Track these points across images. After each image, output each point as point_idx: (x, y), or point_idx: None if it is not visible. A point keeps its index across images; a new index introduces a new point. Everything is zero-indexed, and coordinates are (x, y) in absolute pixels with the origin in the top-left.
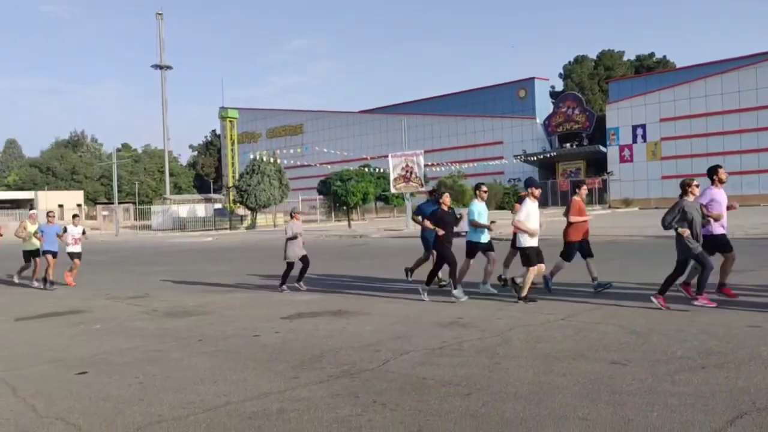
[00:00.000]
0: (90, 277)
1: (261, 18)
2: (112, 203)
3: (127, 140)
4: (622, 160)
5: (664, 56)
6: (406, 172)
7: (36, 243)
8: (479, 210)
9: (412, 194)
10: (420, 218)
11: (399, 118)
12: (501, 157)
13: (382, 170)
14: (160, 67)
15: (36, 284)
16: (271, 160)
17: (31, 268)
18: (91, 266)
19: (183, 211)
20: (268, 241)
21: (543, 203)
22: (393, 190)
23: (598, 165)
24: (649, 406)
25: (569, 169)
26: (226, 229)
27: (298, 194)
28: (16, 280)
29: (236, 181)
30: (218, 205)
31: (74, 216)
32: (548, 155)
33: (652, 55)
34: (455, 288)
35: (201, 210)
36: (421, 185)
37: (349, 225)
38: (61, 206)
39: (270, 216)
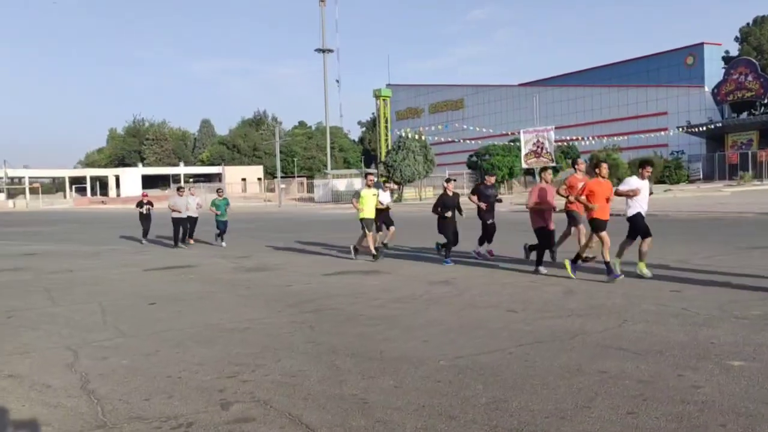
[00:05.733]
0: (230, 240)
1: None
2: (290, 177)
3: (304, 118)
4: None
5: None
6: (537, 147)
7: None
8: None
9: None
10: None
11: (556, 90)
12: (665, 129)
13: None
14: (323, 51)
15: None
16: (416, 136)
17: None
18: (238, 232)
19: (341, 184)
20: (401, 213)
21: (710, 177)
22: (524, 165)
23: None
24: (475, 336)
25: (740, 141)
26: None
27: (446, 169)
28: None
29: (385, 157)
30: None
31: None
32: (715, 126)
33: None
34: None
35: (358, 184)
36: (552, 160)
37: None
38: (243, 180)
39: (417, 190)
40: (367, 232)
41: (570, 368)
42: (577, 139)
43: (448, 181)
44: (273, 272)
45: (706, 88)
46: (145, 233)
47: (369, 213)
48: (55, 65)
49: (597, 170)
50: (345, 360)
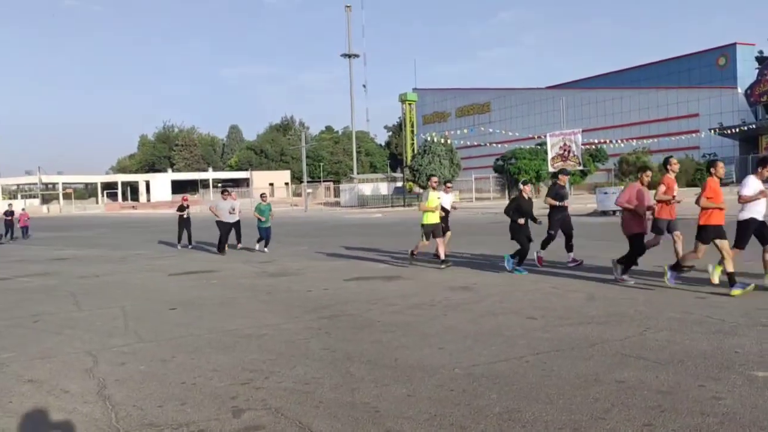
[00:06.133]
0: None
1: None
2: (316, 181)
3: (331, 123)
4: None
5: None
6: (564, 150)
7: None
8: None
9: (572, 172)
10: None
11: (583, 93)
12: (696, 131)
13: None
14: (348, 56)
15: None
16: (442, 140)
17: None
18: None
19: (367, 189)
20: None
21: (741, 178)
22: (550, 169)
23: None
24: (492, 344)
25: None
26: (400, 206)
27: (472, 173)
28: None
29: (410, 161)
30: (399, 184)
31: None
32: (748, 127)
33: None
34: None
35: (384, 188)
36: (579, 163)
37: None
38: (271, 185)
39: None
40: (423, 240)
41: (587, 378)
42: (605, 142)
43: (525, 183)
44: (294, 277)
45: (739, 89)
46: (183, 238)
47: (433, 218)
48: (89, 73)
49: (713, 169)
50: (359, 367)
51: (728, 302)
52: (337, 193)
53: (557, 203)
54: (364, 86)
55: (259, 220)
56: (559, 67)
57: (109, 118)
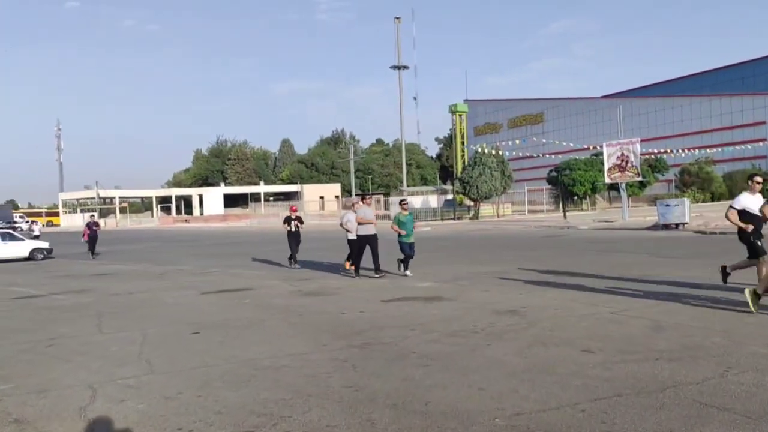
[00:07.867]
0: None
1: (514, 6)
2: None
3: (382, 135)
4: None
5: None
6: (622, 161)
7: None
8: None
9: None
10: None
11: (641, 102)
12: (763, 139)
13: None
14: (398, 68)
15: None
16: (493, 152)
17: None
18: (311, 251)
19: (417, 201)
20: (471, 232)
21: None
22: (607, 180)
23: None
24: (541, 385)
25: None
26: (450, 219)
27: (524, 185)
28: None
29: (461, 173)
30: (449, 196)
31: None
32: None
33: None
34: None
35: (434, 201)
36: (638, 174)
37: (564, 216)
38: (321, 198)
39: (494, 207)
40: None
41: None
42: (665, 152)
43: None
44: (330, 297)
45: None
46: (293, 255)
47: None
48: (148, 90)
49: None
50: (383, 412)
51: None
52: (387, 206)
53: None
54: (414, 98)
55: (401, 234)
56: (613, 77)
57: (166, 134)
